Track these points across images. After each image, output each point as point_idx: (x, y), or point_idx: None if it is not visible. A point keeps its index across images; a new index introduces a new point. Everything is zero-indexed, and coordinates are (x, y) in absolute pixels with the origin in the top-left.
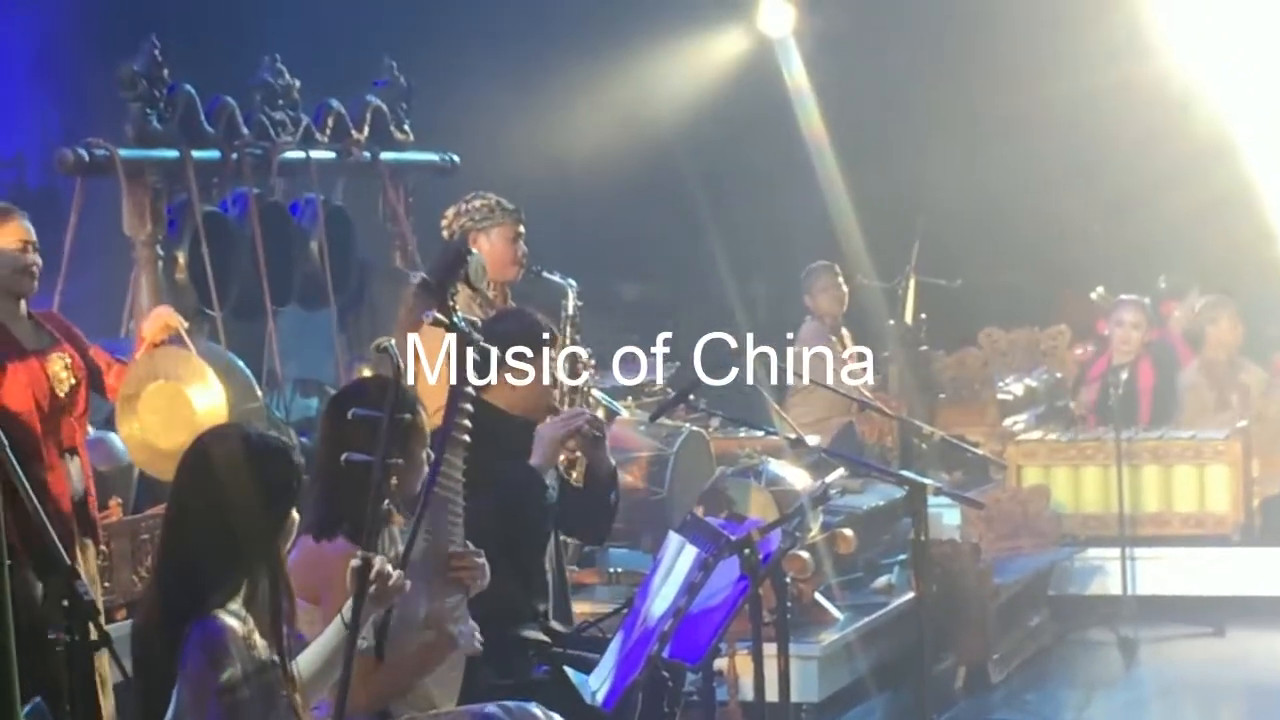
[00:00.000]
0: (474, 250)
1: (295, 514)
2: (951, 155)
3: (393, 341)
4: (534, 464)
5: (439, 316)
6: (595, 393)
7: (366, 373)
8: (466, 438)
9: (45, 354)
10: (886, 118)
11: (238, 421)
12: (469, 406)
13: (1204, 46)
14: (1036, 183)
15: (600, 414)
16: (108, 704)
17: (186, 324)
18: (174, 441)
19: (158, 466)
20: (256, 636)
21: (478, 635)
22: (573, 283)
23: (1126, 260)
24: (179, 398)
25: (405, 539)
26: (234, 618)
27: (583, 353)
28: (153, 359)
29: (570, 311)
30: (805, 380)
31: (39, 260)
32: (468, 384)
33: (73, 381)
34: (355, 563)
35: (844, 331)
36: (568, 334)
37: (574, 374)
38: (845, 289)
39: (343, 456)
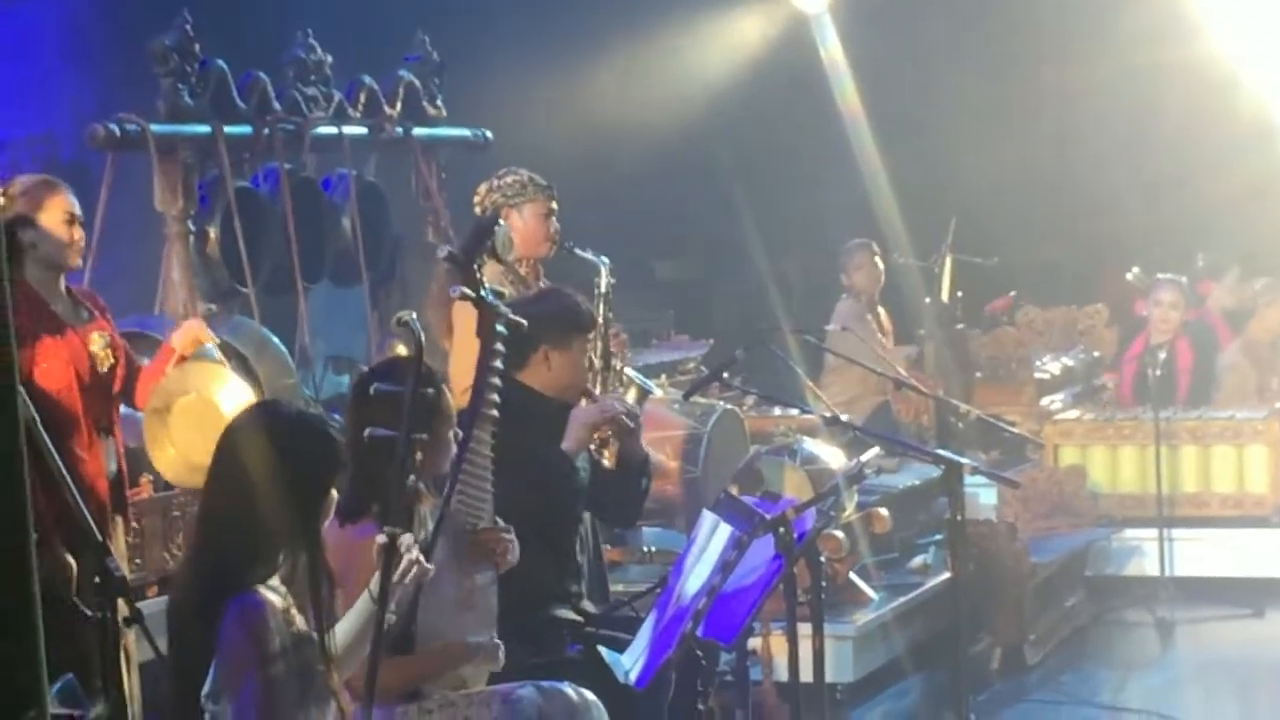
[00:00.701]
0: (502, 222)
1: (334, 492)
2: (990, 132)
3: (414, 315)
4: (566, 448)
5: (465, 290)
6: (628, 371)
7: (400, 350)
8: (495, 413)
9: (85, 331)
10: (923, 93)
11: (277, 398)
12: (497, 382)
13: (1248, 27)
14: (1075, 161)
15: (633, 393)
16: (132, 681)
17: (218, 340)
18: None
19: (197, 480)
20: (295, 613)
21: (500, 652)
22: (605, 260)
23: (1165, 239)
24: (211, 411)
25: (434, 518)
26: (274, 593)
27: (616, 332)
28: (184, 372)
29: (603, 289)
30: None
31: (84, 234)
32: (496, 358)
33: (111, 360)
34: (381, 539)
35: (880, 310)
36: (600, 312)
37: (607, 353)
38: (882, 267)
39: (365, 431)
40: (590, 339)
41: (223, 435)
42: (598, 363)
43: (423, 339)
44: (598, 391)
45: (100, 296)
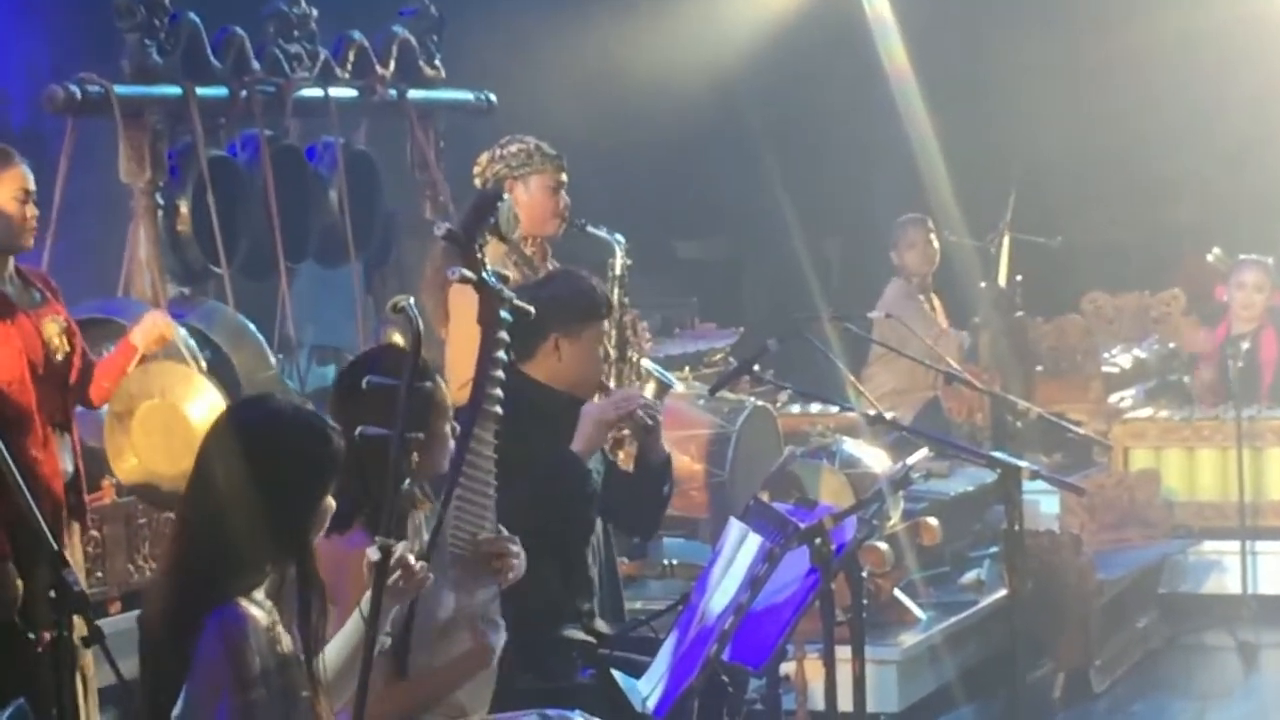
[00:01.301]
0: (505, 196)
1: (330, 500)
2: (1052, 98)
3: (411, 301)
4: (576, 449)
5: (465, 273)
6: (645, 363)
7: (396, 338)
8: (498, 409)
9: (38, 315)
10: (979, 54)
11: (270, 393)
12: (500, 374)
13: None
14: (1147, 130)
15: (652, 386)
16: (91, 708)
17: (183, 330)
18: (178, 467)
19: (163, 490)
20: (280, 630)
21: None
22: (620, 239)
23: (1249, 217)
24: (177, 418)
25: (430, 526)
26: (258, 608)
27: (633, 319)
28: (147, 374)
29: (618, 271)
30: (885, 349)
31: (37, 212)
32: (499, 348)
33: (67, 348)
34: (373, 552)
35: (934, 295)
36: (615, 297)
37: (622, 342)
38: (937, 246)
39: (357, 431)
40: (605, 327)
41: (210, 429)
42: (613, 354)
43: (421, 327)
44: (612, 385)
45: (53, 278)
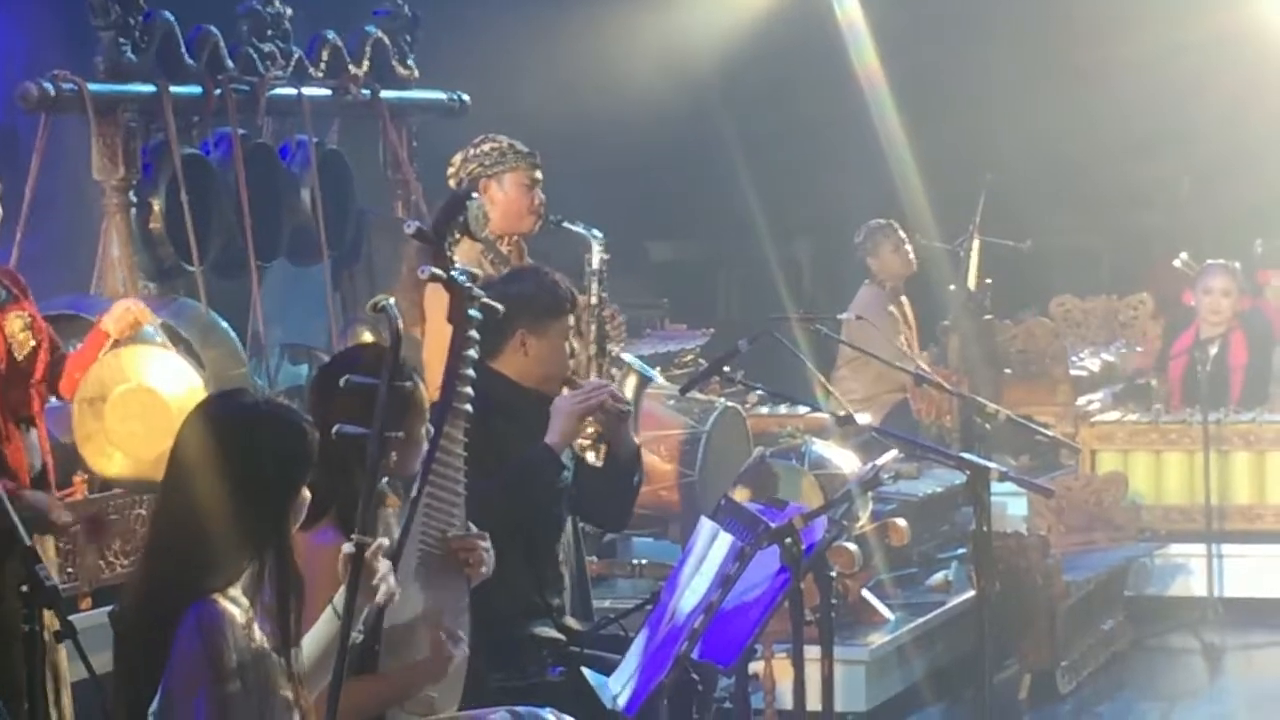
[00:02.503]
0: (475, 195)
1: (306, 492)
2: (1024, 104)
3: (391, 300)
4: (549, 442)
5: (435, 271)
6: (626, 356)
7: (366, 337)
8: (469, 408)
9: (3, 312)
10: (951, 59)
11: (243, 388)
12: (470, 372)
13: None
14: (1118, 139)
15: (632, 380)
16: (63, 703)
17: (159, 320)
18: (155, 449)
19: (146, 475)
20: (256, 628)
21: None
22: (598, 233)
23: (1218, 226)
24: (154, 400)
25: (399, 524)
26: (234, 604)
27: (611, 313)
28: (120, 358)
29: (595, 266)
30: (855, 352)
31: (2, 209)
32: (469, 346)
33: (33, 344)
34: (348, 548)
35: (903, 299)
36: (594, 291)
37: (602, 336)
38: (911, 252)
39: (334, 429)
40: (570, 323)
41: (183, 424)
42: (592, 348)
43: (401, 326)
44: (593, 379)
45: (21, 276)
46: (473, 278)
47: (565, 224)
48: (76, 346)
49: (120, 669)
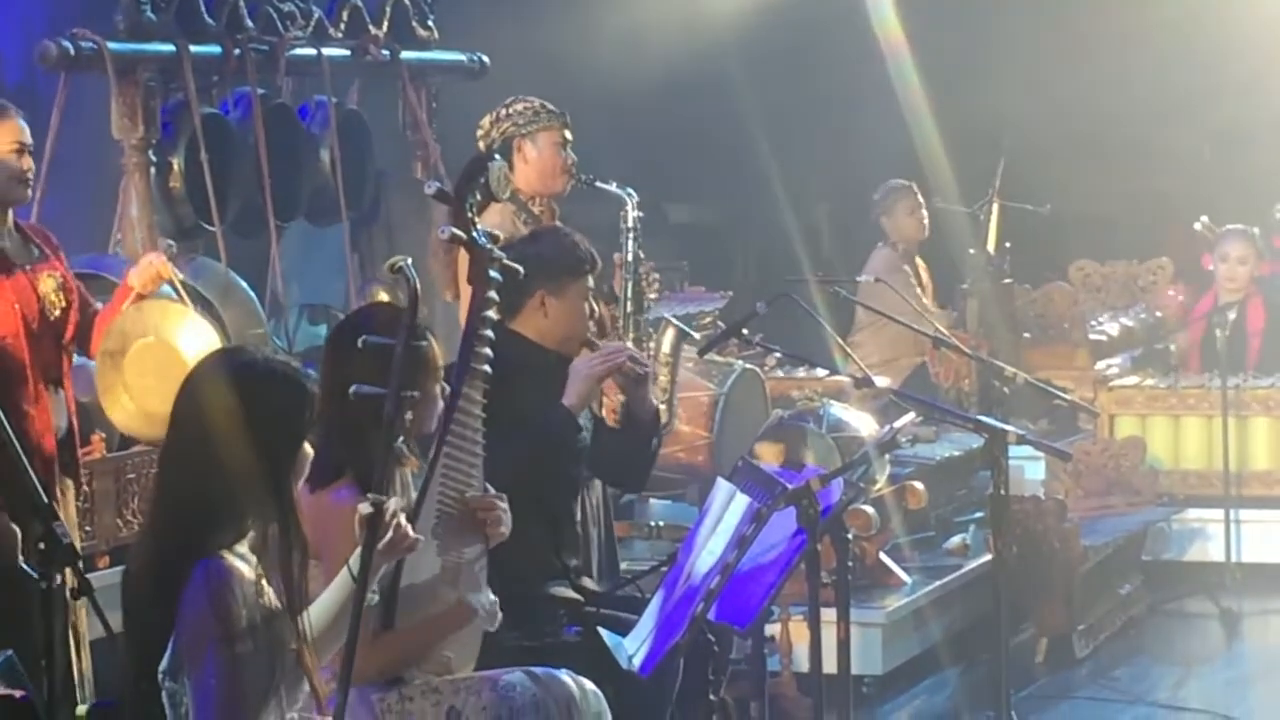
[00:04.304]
0: (496, 157)
1: (308, 448)
2: (1045, 68)
3: (409, 261)
4: (568, 403)
5: (455, 232)
6: (664, 313)
7: (382, 297)
8: (487, 368)
9: (35, 271)
10: (973, 23)
11: (245, 344)
12: (489, 333)
13: None
14: (1139, 104)
15: (670, 337)
16: (83, 660)
17: (181, 275)
18: (169, 405)
19: (154, 432)
20: (266, 584)
21: (498, 608)
22: (631, 192)
23: (1238, 190)
24: (172, 355)
25: (418, 485)
26: (242, 561)
27: (647, 270)
28: (141, 312)
29: (630, 224)
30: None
31: (34, 165)
32: (489, 307)
33: (64, 304)
34: (365, 508)
35: (919, 261)
36: (629, 249)
37: (639, 294)
38: (926, 215)
39: (351, 389)
40: (590, 284)
41: (183, 384)
42: (629, 306)
43: (419, 287)
44: (629, 336)
45: (53, 234)
46: (494, 239)
47: (598, 183)
48: (99, 306)
49: (130, 628)
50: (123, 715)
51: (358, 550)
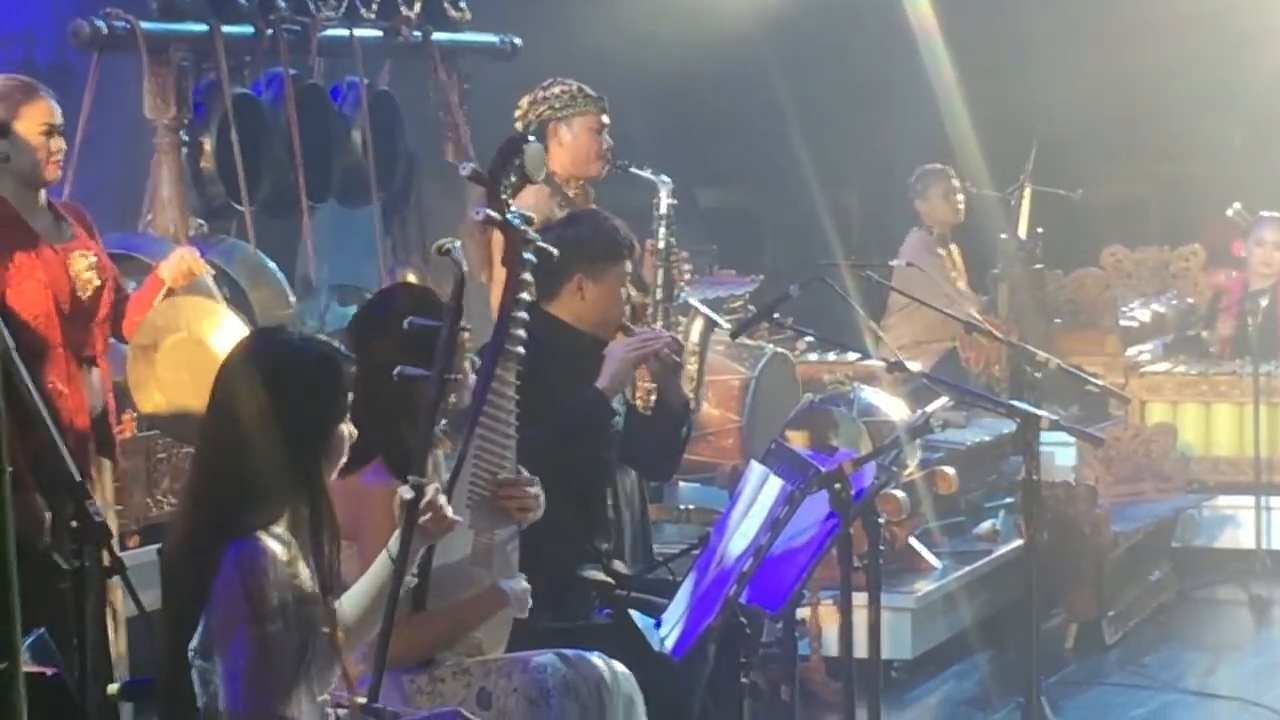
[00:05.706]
0: (531, 139)
1: (344, 429)
2: (1079, 55)
3: (457, 244)
4: (601, 386)
5: (490, 214)
6: (693, 301)
7: (410, 278)
8: (521, 350)
9: (67, 250)
10: (1007, 9)
11: (282, 324)
12: (523, 315)
13: None
14: (1173, 90)
15: (699, 325)
16: (120, 640)
17: (213, 271)
18: (203, 401)
19: (189, 423)
20: (301, 565)
21: (529, 596)
22: (666, 179)
23: (1270, 177)
24: (203, 352)
25: (450, 466)
26: (277, 541)
27: (679, 258)
28: (174, 307)
29: (663, 210)
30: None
31: (64, 145)
32: (524, 289)
33: (97, 283)
34: (406, 491)
35: (953, 246)
36: (661, 235)
37: (669, 281)
38: (962, 198)
39: (395, 370)
40: (628, 268)
41: (222, 365)
42: (659, 292)
43: (465, 270)
44: (659, 324)
45: (87, 213)
46: (528, 221)
47: (633, 169)
48: (132, 287)
49: (166, 607)
50: (156, 693)
51: (396, 532)
